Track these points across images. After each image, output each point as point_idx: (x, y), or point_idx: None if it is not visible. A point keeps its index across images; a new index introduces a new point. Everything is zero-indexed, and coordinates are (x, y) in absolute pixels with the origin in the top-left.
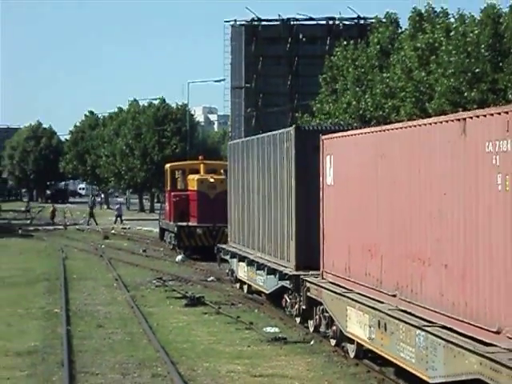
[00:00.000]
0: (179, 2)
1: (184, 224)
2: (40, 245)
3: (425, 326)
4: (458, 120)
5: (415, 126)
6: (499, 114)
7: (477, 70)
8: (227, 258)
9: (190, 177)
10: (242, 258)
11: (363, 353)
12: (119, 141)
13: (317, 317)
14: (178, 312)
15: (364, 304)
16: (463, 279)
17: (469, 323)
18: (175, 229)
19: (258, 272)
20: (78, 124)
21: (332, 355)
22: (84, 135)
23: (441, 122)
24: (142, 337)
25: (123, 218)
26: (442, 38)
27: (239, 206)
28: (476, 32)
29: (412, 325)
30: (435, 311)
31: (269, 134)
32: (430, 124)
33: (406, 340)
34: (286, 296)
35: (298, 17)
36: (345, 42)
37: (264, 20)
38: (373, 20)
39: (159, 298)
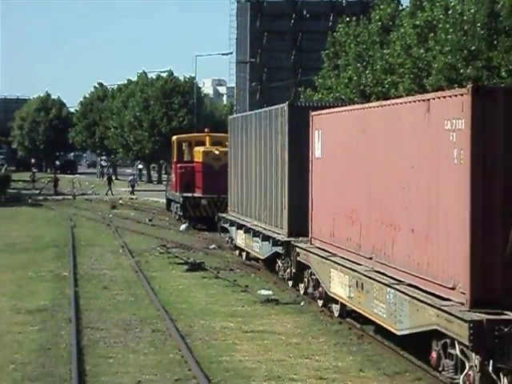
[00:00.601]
0: None
1: (189, 195)
2: (49, 214)
3: (394, 284)
4: (424, 101)
5: (390, 104)
6: (456, 96)
7: (472, 48)
8: (227, 226)
9: (196, 149)
10: (240, 226)
11: (346, 312)
12: (127, 113)
13: (306, 279)
14: (179, 276)
15: (345, 266)
16: (426, 242)
17: (430, 281)
18: (181, 199)
19: (254, 239)
20: (87, 95)
21: (319, 315)
22: (93, 107)
23: (410, 102)
24: (145, 298)
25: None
26: (440, 16)
27: (238, 177)
28: (472, 11)
29: (384, 283)
30: (404, 271)
31: (265, 109)
32: (401, 103)
33: (378, 297)
34: (278, 261)
35: None
36: (347, 19)
37: None
38: None
39: (162, 264)
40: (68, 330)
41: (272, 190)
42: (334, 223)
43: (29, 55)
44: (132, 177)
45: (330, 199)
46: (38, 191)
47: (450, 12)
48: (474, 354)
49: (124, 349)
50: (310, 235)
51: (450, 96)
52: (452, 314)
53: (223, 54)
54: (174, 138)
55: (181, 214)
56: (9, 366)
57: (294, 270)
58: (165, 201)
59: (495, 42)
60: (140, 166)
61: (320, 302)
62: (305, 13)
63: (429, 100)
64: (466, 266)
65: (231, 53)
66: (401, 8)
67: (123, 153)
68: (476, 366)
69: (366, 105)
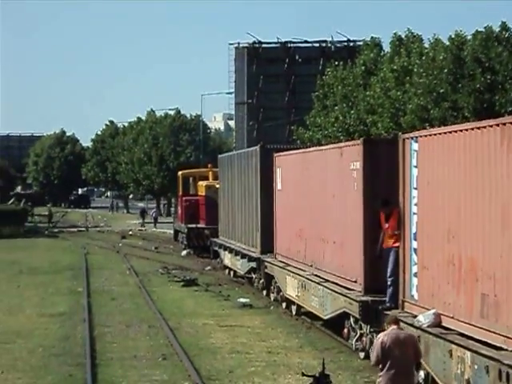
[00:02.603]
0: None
1: (193, 226)
2: (65, 243)
3: (322, 282)
4: (339, 148)
5: (320, 150)
6: (355, 145)
7: (441, 91)
8: (217, 249)
9: (200, 183)
10: (226, 248)
11: (301, 312)
12: (137, 149)
13: (272, 287)
14: (175, 290)
15: (294, 273)
16: (341, 250)
17: (344, 278)
18: (186, 230)
19: (236, 258)
20: (99, 133)
21: (282, 314)
22: (104, 144)
23: (332, 149)
24: (145, 305)
25: (146, 221)
26: (416, 61)
27: (226, 207)
28: (441, 57)
29: (316, 282)
30: (330, 273)
31: (243, 150)
32: (327, 149)
33: (314, 293)
34: (253, 274)
35: (294, 40)
36: (336, 63)
37: (264, 43)
38: (361, 43)
39: (162, 281)
40: (83, 327)
41: (249, 216)
42: (290, 240)
43: (42, 94)
44: (155, 210)
45: (287, 222)
46: (52, 224)
47: (423, 58)
48: (363, 324)
49: (125, 338)
50: (274, 251)
51: (353, 145)
52: (351, 298)
53: (227, 93)
54: (180, 173)
55: (186, 243)
56: (38, 348)
57: (263, 281)
58: (172, 232)
59: (460, 85)
60: (163, 202)
61: (284, 305)
62: (297, 57)
63: (341, 148)
64: (361, 265)
65: (232, 92)
66: (382, 53)
67: (134, 187)
68: (366, 332)
69: (307, 150)
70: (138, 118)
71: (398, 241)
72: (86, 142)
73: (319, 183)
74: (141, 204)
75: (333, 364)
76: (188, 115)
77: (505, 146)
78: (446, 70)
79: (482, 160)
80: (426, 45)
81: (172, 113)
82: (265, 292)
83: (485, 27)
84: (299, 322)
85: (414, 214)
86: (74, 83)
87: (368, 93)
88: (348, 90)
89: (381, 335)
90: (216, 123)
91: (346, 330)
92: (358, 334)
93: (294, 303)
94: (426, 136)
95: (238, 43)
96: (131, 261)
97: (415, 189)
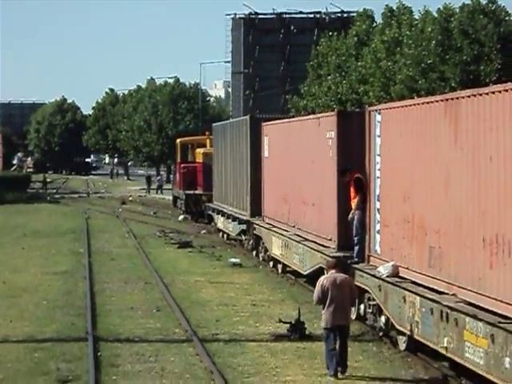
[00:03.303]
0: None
1: (191, 192)
2: (66, 209)
3: (301, 241)
4: (317, 119)
5: (301, 120)
6: (331, 116)
7: (429, 62)
8: (211, 213)
9: (197, 150)
10: (219, 212)
11: (286, 270)
12: (137, 117)
13: (260, 248)
14: (171, 251)
15: (279, 233)
16: (320, 211)
17: (322, 237)
18: (184, 196)
19: (228, 221)
20: (99, 101)
21: (269, 273)
22: (105, 111)
23: (311, 119)
24: (142, 265)
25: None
26: (407, 33)
27: (220, 173)
28: (430, 29)
29: (297, 241)
30: (309, 232)
31: (235, 119)
32: (307, 120)
33: (296, 251)
34: (243, 236)
35: (289, 11)
36: (330, 33)
37: (260, 14)
38: (354, 14)
39: (159, 244)
40: (84, 283)
41: (239, 181)
42: (276, 204)
43: (42, 61)
44: (159, 177)
45: (273, 187)
46: (54, 190)
47: (413, 29)
48: None
49: (123, 292)
50: (262, 214)
51: (329, 116)
52: (326, 254)
53: (225, 62)
54: (178, 140)
55: (184, 209)
56: (43, 301)
57: (252, 242)
58: (171, 198)
59: (447, 56)
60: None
61: (271, 264)
62: (292, 28)
63: (319, 118)
64: (335, 224)
65: (230, 61)
66: (375, 25)
67: (134, 154)
68: None
69: (291, 119)
70: (138, 86)
71: (357, 204)
72: (87, 110)
73: (301, 150)
74: (141, 171)
75: (310, 314)
76: (187, 83)
77: (447, 118)
78: (433, 42)
79: (429, 130)
80: (417, 16)
81: (171, 81)
82: (254, 252)
83: (471, 0)
84: (284, 279)
85: (378, 177)
86: (75, 51)
87: (360, 63)
88: (341, 60)
89: (321, 278)
90: (216, 90)
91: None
92: None
93: (279, 262)
94: (387, 109)
95: (235, 14)
96: (130, 225)
97: (378, 155)
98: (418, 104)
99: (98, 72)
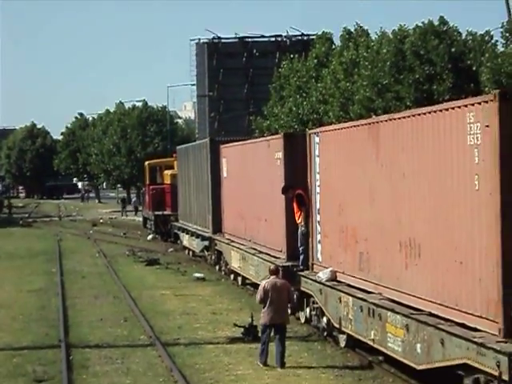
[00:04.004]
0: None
1: (160, 213)
2: (39, 231)
3: (256, 253)
4: (267, 141)
5: (253, 142)
6: (278, 139)
7: (384, 82)
8: (177, 231)
9: (165, 172)
10: (184, 230)
11: (245, 283)
12: (107, 140)
13: (221, 262)
14: (139, 269)
15: (237, 247)
16: (271, 226)
17: (273, 248)
18: (152, 217)
19: (193, 238)
20: (68, 125)
21: (230, 285)
22: (75, 136)
23: (261, 141)
24: (111, 281)
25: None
26: (364, 54)
27: (184, 193)
28: (385, 50)
29: (252, 254)
30: (264, 245)
31: (197, 142)
32: (259, 142)
33: (252, 263)
34: (206, 252)
35: (251, 35)
36: (291, 56)
37: (223, 38)
38: (314, 37)
39: (128, 262)
40: (56, 299)
41: (202, 201)
42: (234, 221)
43: (13, 89)
44: (135, 199)
45: (231, 205)
46: (26, 215)
47: (369, 51)
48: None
49: (93, 306)
50: (223, 230)
51: (277, 139)
52: (276, 264)
53: (192, 85)
54: (146, 163)
55: (153, 229)
56: (19, 316)
57: (214, 257)
58: (141, 219)
59: (401, 77)
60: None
61: (232, 277)
62: (254, 51)
63: (269, 140)
64: (284, 237)
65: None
66: (334, 47)
67: (104, 178)
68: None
69: (245, 142)
70: (107, 110)
71: (299, 218)
72: (57, 135)
73: (254, 170)
74: (112, 193)
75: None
76: (155, 106)
77: (370, 140)
78: (388, 63)
79: (357, 150)
80: (375, 37)
81: (140, 104)
82: (217, 267)
83: (422, 22)
84: (243, 291)
85: (318, 193)
86: (43, 76)
87: (320, 84)
88: (302, 82)
89: (263, 282)
90: (186, 112)
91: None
92: None
93: (239, 275)
94: (323, 132)
95: (199, 39)
96: (101, 245)
97: (318, 173)
98: (348, 127)
99: (67, 97)
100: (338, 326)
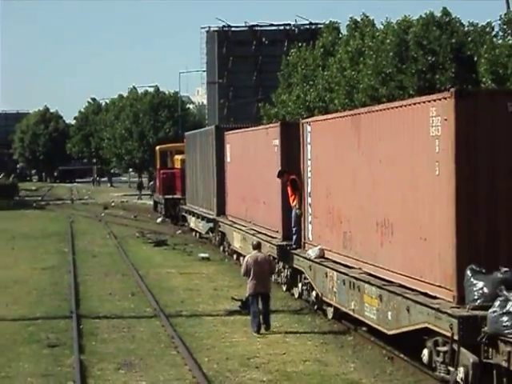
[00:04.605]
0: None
1: (170, 196)
2: (51, 214)
3: (255, 234)
4: (266, 129)
5: (254, 130)
6: (275, 127)
7: (388, 71)
8: (184, 214)
9: (176, 157)
10: (191, 213)
11: None
12: (119, 125)
13: (225, 243)
14: (147, 249)
15: (238, 229)
16: (269, 208)
17: (270, 229)
18: (163, 201)
19: (199, 220)
20: (82, 110)
21: (233, 265)
22: (88, 120)
23: (261, 129)
24: (121, 260)
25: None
26: (370, 44)
27: (191, 177)
28: (388, 40)
29: (252, 234)
30: (262, 226)
31: (203, 129)
32: (259, 130)
33: (250, 243)
34: (211, 233)
35: (260, 23)
36: (299, 44)
37: (233, 26)
38: (322, 26)
39: (137, 243)
40: (68, 276)
41: (207, 185)
42: (236, 203)
43: (25, 71)
44: (152, 183)
45: (234, 189)
46: (40, 197)
47: (374, 40)
48: (280, 262)
49: (103, 283)
50: (226, 213)
51: (274, 127)
52: (273, 244)
53: (203, 71)
54: (157, 148)
55: (164, 213)
56: (33, 291)
57: (218, 238)
58: (152, 203)
59: (404, 66)
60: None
61: (234, 257)
62: (263, 40)
63: (267, 129)
64: (280, 219)
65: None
66: (340, 36)
67: (116, 162)
68: (281, 269)
69: (247, 129)
70: (120, 95)
71: (293, 201)
72: (69, 119)
73: (254, 156)
74: (124, 178)
75: None
76: (167, 92)
77: (353, 130)
78: (391, 53)
79: (342, 139)
80: (382, 27)
81: (152, 90)
82: (221, 248)
83: (425, 13)
84: None
85: (309, 178)
86: (57, 61)
87: (326, 73)
88: (309, 70)
89: (247, 257)
90: (199, 97)
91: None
92: (276, 270)
93: (240, 254)
94: (314, 121)
95: (209, 27)
96: (111, 227)
97: (309, 160)
98: (335, 118)
99: (80, 82)
100: (324, 298)
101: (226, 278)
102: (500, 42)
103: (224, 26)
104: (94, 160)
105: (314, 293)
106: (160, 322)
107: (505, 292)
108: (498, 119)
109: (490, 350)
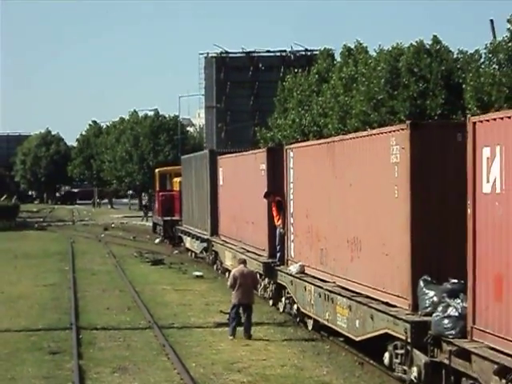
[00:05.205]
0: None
1: (169, 218)
2: (53, 235)
3: (244, 252)
4: (254, 154)
5: (243, 155)
6: (262, 152)
7: (380, 98)
8: (180, 234)
9: (175, 179)
10: (187, 233)
11: None
12: (120, 148)
13: (217, 261)
14: (145, 268)
15: (230, 248)
16: (257, 228)
17: (258, 248)
18: (162, 222)
19: (193, 240)
20: (83, 133)
21: (224, 282)
22: (89, 142)
23: (250, 154)
24: (118, 278)
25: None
26: (363, 70)
27: (187, 199)
28: (380, 68)
29: (241, 253)
30: (251, 245)
31: (198, 153)
32: (249, 155)
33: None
34: (204, 253)
35: (257, 50)
36: (295, 70)
37: (230, 53)
38: (317, 52)
39: (135, 262)
40: (69, 292)
41: (202, 206)
42: (228, 224)
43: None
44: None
45: (226, 210)
46: (41, 219)
47: (366, 67)
48: (266, 278)
49: (101, 298)
50: (219, 232)
51: (261, 152)
52: (259, 261)
53: (203, 95)
54: (157, 170)
55: (162, 234)
56: (35, 305)
57: (212, 257)
58: (151, 224)
59: (396, 92)
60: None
61: (226, 274)
62: (260, 65)
63: (255, 153)
64: (266, 238)
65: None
66: (335, 62)
67: (117, 184)
68: (267, 284)
69: (236, 154)
70: (121, 118)
71: (278, 221)
72: (71, 142)
73: (244, 179)
74: (125, 200)
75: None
76: (167, 116)
77: (328, 156)
78: (383, 80)
79: (319, 164)
80: (375, 54)
81: (151, 113)
82: (214, 267)
83: (416, 41)
84: None
85: (291, 199)
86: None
87: (320, 98)
88: (304, 95)
89: (233, 270)
90: (200, 120)
91: (258, 286)
92: (262, 285)
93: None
94: (296, 147)
95: (207, 53)
96: (111, 247)
97: (291, 183)
98: (313, 145)
99: (81, 105)
100: (303, 310)
101: (218, 294)
102: (486, 70)
103: (222, 52)
104: (95, 182)
105: (295, 306)
106: (153, 332)
107: (447, 299)
108: (448, 148)
109: (436, 349)
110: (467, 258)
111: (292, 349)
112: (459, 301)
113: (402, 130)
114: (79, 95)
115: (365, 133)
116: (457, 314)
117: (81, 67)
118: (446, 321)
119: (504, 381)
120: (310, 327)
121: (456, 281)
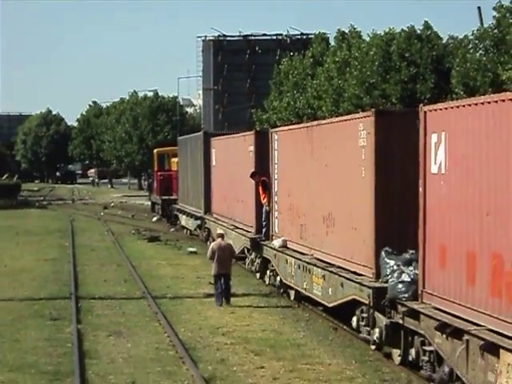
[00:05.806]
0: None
1: (167, 197)
2: (53, 213)
3: (234, 229)
4: (244, 136)
5: (234, 137)
6: (250, 135)
7: (372, 81)
8: (176, 213)
9: (173, 159)
10: (182, 212)
11: None
12: (119, 128)
13: (210, 238)
14: (141, 244)
15: (221, 224)
16: (245, 206)
17: (247, 225)
18: (160, 201)
19: (188, 218)
20: (83, 113)
21: None
22: (89, 123)
23: (240, 137)
24: (116, 254)
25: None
26: (356, 54)
27: (183, 179)
28: (372, 52)
29: (231, 229)
30: (240, 222)
31: (193, 134)
32: (238, 137)
33: (230, 237)
34: (198, 230)
35: (254, 33)
36: (291, 53)
37: (228, 36)
38: (312, 36)
39: (133, 239)
40: (69, 266)
41: (196, 185)
42: (220, 202)
43: (28, 74)
44: (147, 182)
45: (218, 189)
46: (42, 198)
47: (359, 51)
48: (253, 252)
49: (99, 271)
50: (212, 210)
51: (249, 134)
52: (247, 237)
53: (200, 77)
54: (155, 151)
55: (160, 213)
56: (37, 277)
57: (205, 233)
58: (149, 203)
59: (388, 76)
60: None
61: None
62: (257, 49)
63: (244, 136)
64: (253, 215)
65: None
66: (329, 46)
67: (116, 164)
68: (254, 258)
69: (230, 136)
70: (122, 99)
71: (264, 199)
72: (71, 122)
73: (234, 160)
74: (125, 180)
75: (234, 280)
76: (166, 96)
77: (307, 140)
78: (376, 63)
79: (299, 147)
80: (368, 39)
81: (151, 94)
82: (208, 243)
83: (407, 26)
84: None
85: (276, 179)
86: (60, 64)
87: (315, 81)
88: (299, 78)
89: (212, 244)
90: (200, 100)
91: (246, 260)
92: (250, 259)
93: None
94: (280, 131)
95: (205, 36)
96: (110, 225)
97: (276, 164)
98: (294, 129)
99: (81, 85)
100: (285, 281)
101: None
102: (472, 55)
103: (219, 36)
104: (95, 162)
105: (278, 278)
106: (147, 302)
107: (401, 266)
108: (408, 134)
109: (392, 311)
110: (419, 230)
111: (273, 316)
112: (412, 268)
113: (369, 116)
114: (80, 76)
115: (338, 119)
116: (409, 279)
117: (82, 49)
118: (400, 285)
119: (444, 336)
120: (292, 297)
121: (414, 251)
